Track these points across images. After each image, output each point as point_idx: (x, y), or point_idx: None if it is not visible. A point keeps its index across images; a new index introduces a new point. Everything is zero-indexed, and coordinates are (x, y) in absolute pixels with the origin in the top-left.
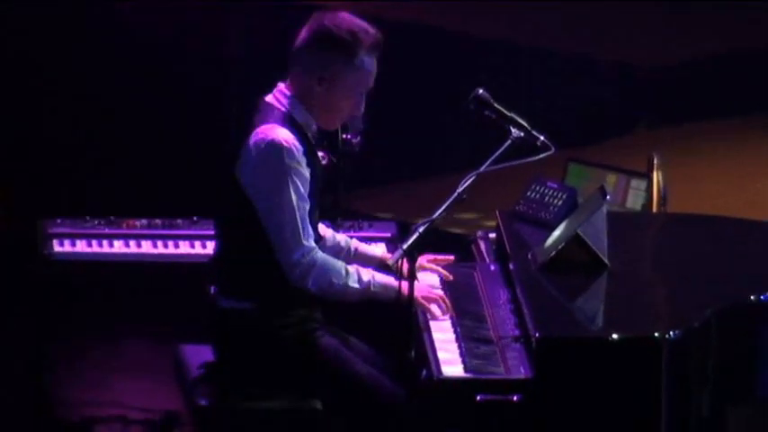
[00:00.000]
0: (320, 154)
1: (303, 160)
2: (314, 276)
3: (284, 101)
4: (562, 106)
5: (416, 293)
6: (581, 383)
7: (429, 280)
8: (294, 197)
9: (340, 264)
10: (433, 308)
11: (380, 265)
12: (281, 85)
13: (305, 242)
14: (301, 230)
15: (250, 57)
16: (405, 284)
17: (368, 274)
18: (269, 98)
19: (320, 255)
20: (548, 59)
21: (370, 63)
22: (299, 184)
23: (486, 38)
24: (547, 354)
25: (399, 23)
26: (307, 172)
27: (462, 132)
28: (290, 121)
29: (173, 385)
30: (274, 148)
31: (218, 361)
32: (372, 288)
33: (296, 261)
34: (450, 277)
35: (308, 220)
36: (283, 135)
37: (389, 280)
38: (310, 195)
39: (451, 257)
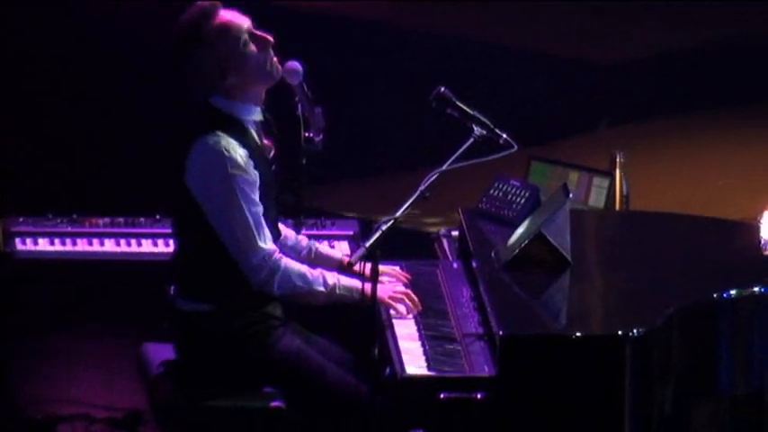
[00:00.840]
0: (266, 143)
1: (249, 164)
2: (278, 281)
3: (219, 103)
4: (524, 104)
5: (382, 293)
6: (545, 381)
7: (388, 268)
8: (244, 205)
9: (304, 267)
10: (400, 307)
11: (340, 268)
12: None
13: (262, 245)
14: (257, 235)
15: None
16: (369, 285)
17: (333, 278)
18: (210, 101)
19: (283, 259)
20: (510, 57)
21: (226, 19)
22: (247, 191)
23: (448, 35)
24: (510, 351)
25: (361, 21)
26: (254, 175)
27: (425, 130)
28: (227, 123)
29: (136, 383)
30: (217, 157)
31: (180, 360)
32: (338, 291)
33: (257, 266)
34: (407, 279)
35: (263, 224)
36: (224, 143)
37: (354, 282)
38: (262, 197)
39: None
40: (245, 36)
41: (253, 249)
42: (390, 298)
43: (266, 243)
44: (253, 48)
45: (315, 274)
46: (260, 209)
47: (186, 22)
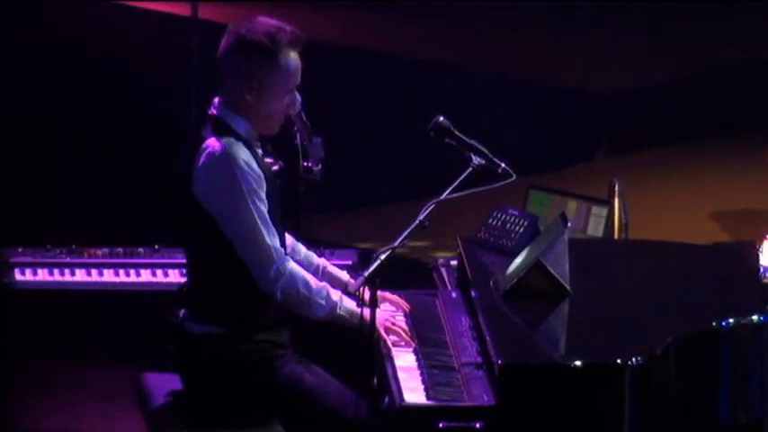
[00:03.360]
0: (269, 160)
1: (252, 163)
2: (283, 283)
3: (218, 111)
4: (523, 133)
5: (378, 322)
6: (544, 410)
7: (398, 315)
8: (251, 202)
9: (310, 276)
10: (392, 338)
11: (345, 290)
12: (215, 100)
13: (271, 243)
14: (265, 232)
15: (211, 79)
16: (367, 312)
17: (336, 296)
18: (212, 112)
19: (291, 263)
20: (509, 87)
21: (294, 59)
22: (254, 186)
23: (448, 65)
24: (509, 380)
25: (361, 51)
26: (259, 173)
27: (424, 160)
28: (226, 130)
29: (136, 414)
30: (223, 158)
31: (183, 385)
32: (338, 311)
33: (265, 264)
34: (407, 306)
35: (269, 222)
36: (229, 145)
37: (354, 307)
38: (268, 196)
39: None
40: (293, 86)
41: (260, 245)
42: (385, 328)
43: (273, 241)
44: (287, 100)
45: (320, 285)
46: (266, 206)
47: (263, 30)
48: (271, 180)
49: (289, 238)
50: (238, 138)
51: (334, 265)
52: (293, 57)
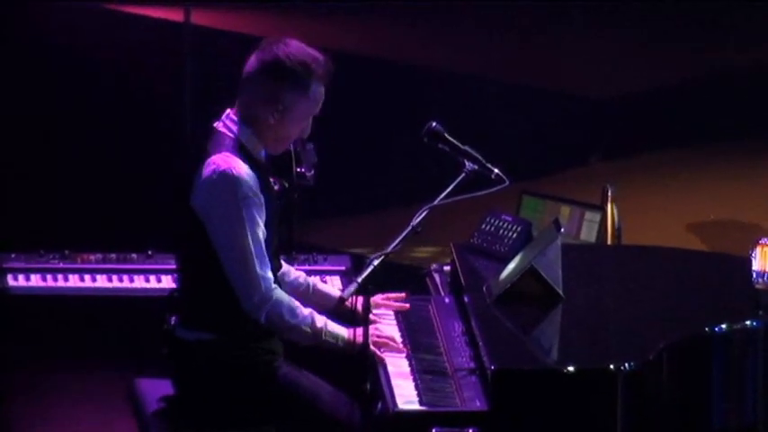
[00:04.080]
0: (272, 180)
1: (257, 189)
2: (267, 310)
3: (233, 127)
4: (516, 139)
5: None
6: (537, 415)
7: (382, 325)
8: (249, 229)
9: (296, 303)
10: (382, 350)
11: (337, 306)
12: (230, 112)
13: (259, 271)
14: (257, 261)
15: (204, 85)
16: (355, 331)
17: (321, 321)
18: (219, 125)
19: (277, 290)
20: (502, 92)
21: (321, 91)
22: (254, 213)
23: (442, 71)
24: (502, 386)
25: (355, 57)
26: (261, 199)
27: (417, 165)
28: (242, 149)
29: (129, 419)
30: (228, 179)
31: (177, 392)
32: (324, 337)
33: (250, 291)
34: (407, 306)
35: (264, 251)
36: (236, 165)
37: (341, 330)
38: (267, 224)
39: (402, 294)
40: (312, 114)
41: (249, 272)
42: (374, 344)
43: (263, 270)
44: (305, 125)
45: (305, 312)
46: (264, 235)
47: (300, 57)
48: (273, 204)
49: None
50: (252, 158)
51: (327, 270)
52: (321, 88)
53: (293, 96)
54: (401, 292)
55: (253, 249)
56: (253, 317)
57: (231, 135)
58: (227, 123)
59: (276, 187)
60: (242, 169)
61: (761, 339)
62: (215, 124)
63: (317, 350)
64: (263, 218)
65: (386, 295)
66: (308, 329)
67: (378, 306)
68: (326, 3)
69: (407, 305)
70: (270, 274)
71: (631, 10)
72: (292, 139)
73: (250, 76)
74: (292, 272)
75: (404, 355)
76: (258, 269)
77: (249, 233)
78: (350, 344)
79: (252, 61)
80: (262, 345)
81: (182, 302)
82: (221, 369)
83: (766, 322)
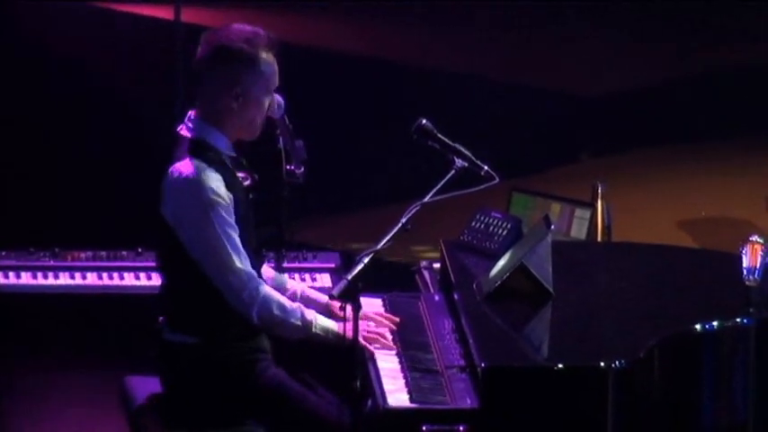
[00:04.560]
0: (241, 175)
1: (223, 189)
2: (258, 305)
3: (195, 128)
4: (506, 136)
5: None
6: (527, 413)
7: (371, 313)
8: (219, 229)
9: (284, 298)
10: (374, 346)
11: (326, 312)
12: (191, 113)
13: (241, 266)
14: (235, 257)
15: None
16: (345, 326)
17: (311, 315)
18: (181, 130)
19: (264, 286)
20: (493, 90)
21: (271, 62)
22: (223, 214)
23: (432, 69)
24: (492, 383)
25: (345, 55)
26: (228, 199)
27: (407, 162)
28: (202, 150)
29: (119, 416)
30: (191, 184)
31: (165, 391)
32: (314, 329)
33: (237, 287)
34: (396, 320)
35: (240, 247)
36: (198, 170)
37: (331, 324)
38: (240, 221)
39: (397, 319)
40: (274, 87)
41: (232, 271)
42: (365, 339)
43: (244, 264)
44: (267, 102)
45: (293, 306)
46: (236, 232)
47: (241, 36)
48: (242, 201)
49: (265, 269)
50: (217, 156)
51: (317, 268)
52: (271, 60)
53: (246, 75)
54: (391, 290)
55: (229, 249)
56: (244, 316)
57: (193, 137)
58: (188, 125)
59: (247, 182)
60: (204, 173)
61: (751, 337)
62: (179, 129)
63: (306, 349)
64: (233, 216)
65: (380, 313)
66: (299, 323)
67: (370, 319)
68: (321, 2)
69: (395, 320)
70: (250, 267)
71: (620, 10)
72: (262, 119)
73: (201, 69)
74: (281, 278)
75: (394, 352)
76: (239, 264)
77: (222, 234)
78: (340, 337)
79: (199, 54)
80: (248, 344)
81: (166, 305)
82: (207, 371)
83: (757, 319)
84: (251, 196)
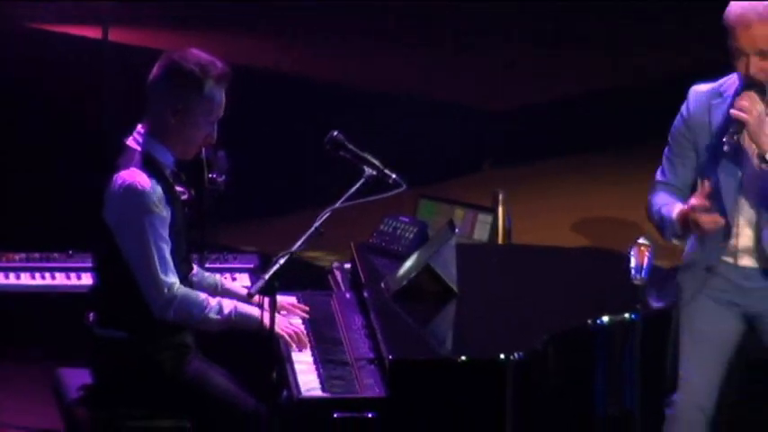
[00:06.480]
0: (180, 189)
1: (161, 202)
2: (174, 308)
3: (141, 141)
4: (414, 147)
5: (276, 326)
6: (432, 402)
7: (284, 303)
8: (152, 240)
9: (202, 296)
10: (291, 339)
11: (245, 302)
12: (139, 127)
13: (163, 277)
14: (159, 268)
15: (124, 98)
16: (266, 315)
17: (230, 306)
18: (129, 141)
19: (182, 289)
20: (403, 105)
21: (219, 94)
22: (157, 227)
23: (348, 86)
24: (399, 374)
25: (263, 71)
26: (165, 212)
27: (320, 171)
28: (148, 163)
29: (51, 405)
30: (133, 193)
31: (95, 382)
32: (233, 318)
33: (155, 295)
34: (306, 316)
35: (168, 259)
36: (141, 180)
37: (252, 311)
38: (172, 234)
39: (306, 308)
40: (217, 118)
41: (153, 280)
42: (284, 330)
43: (167, 276)
44: (207, 131)
45: (212, 303)
46: (167, 245)
47: (195, 60)
48: (179, 214)
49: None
50: (160, 170)
51: (237, 268)
52: (219, 91)
53: (190, 95)
54: (305, 288)
55: (156, 258)
56: (160, 318)
57: (140, 149)
58: (136, 138)
59: (185, 197)
60: (147, 184)
61: (638, 331)
62: (126, 140)
63: (227, 344)
64: (167, 229)
65: (292, 303)
66: (218, 317)
67: (283, 308)
68: (247, 21)
69: (307, 311)
70: (173, 278)
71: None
72: (198, 141)
73: (153, 85)
74: (200, 273)
75: (308, 346)
76: (161, 275)
77: (153, 244)
78: (261, 323)
79: (154, 71)
80: (173, 339)
81: (98, 301)
82: (134, 364)
83: (643, 315)
84: (186, 210)
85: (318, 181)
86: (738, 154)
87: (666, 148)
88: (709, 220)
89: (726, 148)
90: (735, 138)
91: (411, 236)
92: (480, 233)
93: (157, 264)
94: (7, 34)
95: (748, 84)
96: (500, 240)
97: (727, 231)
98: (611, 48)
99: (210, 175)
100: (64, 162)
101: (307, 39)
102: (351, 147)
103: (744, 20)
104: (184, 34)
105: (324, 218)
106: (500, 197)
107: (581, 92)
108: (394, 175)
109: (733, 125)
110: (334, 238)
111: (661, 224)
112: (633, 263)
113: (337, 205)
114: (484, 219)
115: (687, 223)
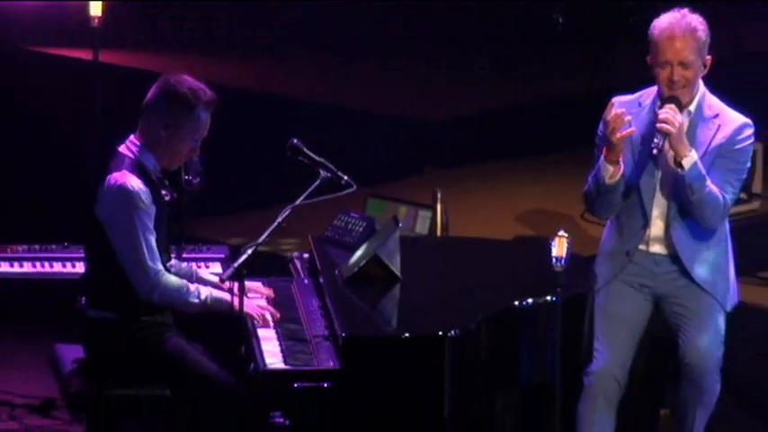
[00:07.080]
0: (164, 192)
1: (149, 200)
2: (158, 293)
3: (134, 149)
4: (364, 153)
5: (248, 308)
6: (380, 373)
7: (258, 299)
8: (140, 233)
9: (183, 282)
10: (263, 318)
11: (217, 287)
12: (132, 137)
13: (152, 265)
14: (148, 257)
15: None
16: (236, 299)
17: (206, 292)
18: (121, 148)
19: (164, 276)
20: (351, 115)
21: (205, 117)
22: (145, 220)
23: (306, 100)
24: (351, 349)
25: (242, 91)
26: (152, 209)
27: (282, 173)
28: (138, 168)
29: (49, 377)
30: (124, 192)
31: (87, 357)
32: (209, 302)
33: (143, 280)
34: (272, 295)
35: (154, 248)
36: (132, 181)
37: (225, 296)
38: (157, 228)
39: (271, 290)
40: (201, 137)
41: (142, 267)
42: (253, 312)
43: (154, 263)
44: (191, 146)
45: (191, 288)
46: (154, 236)
47: (189, 86)
48: (162, 212)
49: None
50: (147, 174)
51: (210, 258)
52: (205, 113)
53: (181, 114)
54: (269, 275)
55: (144, 248)
56: (147, 300)
57: (131, 156)
58: (128, 146)
59: (167, 198)
60: (136, 184)
61: (559, 311)
62: (119, 147)
63: (204, 322)
64: (153, 223)
65: (258, 287)
66: (196, 301)
67: (250, 289)
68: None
69: (272, 294)
70: (159, 266)
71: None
72: (183, 155)
73: (150, 103)
74: (178, 264)
75: (271, 325)
76: (149, 263)
77: (141, 235)
78: (232, 306)
79: (152, 91)
80: (155, 319)
81: (89, 287)
82: (122, 341)
83: (563, 297)
84: (168, 209)
85: (280, 182)
86: (658, 157)
87: (595, 153)
88: (618, 114)
89: (654, 151)
90: (660, 144)
91: (361, 229)
92: (421, 227)
93: (145, 252)
94: (7, 56)
95: (667, 97)
96: (439, 233)
97: (644, 222)
98: (541, 67)
99: (186, 177)
100: (61, 167)
101: (270, 59)
102: (308, 152)
103: (669, 33)
104: (165, 57)
105: (285, 214)
106: (438, 196)
107: (518, 103)
108: (346, 177)
109: (657, 134)
110: (294, 232)
111: (596, 181)
112: (554, 252)
113: (297, 203)
114: (424, 215)
115: (611, 151)
